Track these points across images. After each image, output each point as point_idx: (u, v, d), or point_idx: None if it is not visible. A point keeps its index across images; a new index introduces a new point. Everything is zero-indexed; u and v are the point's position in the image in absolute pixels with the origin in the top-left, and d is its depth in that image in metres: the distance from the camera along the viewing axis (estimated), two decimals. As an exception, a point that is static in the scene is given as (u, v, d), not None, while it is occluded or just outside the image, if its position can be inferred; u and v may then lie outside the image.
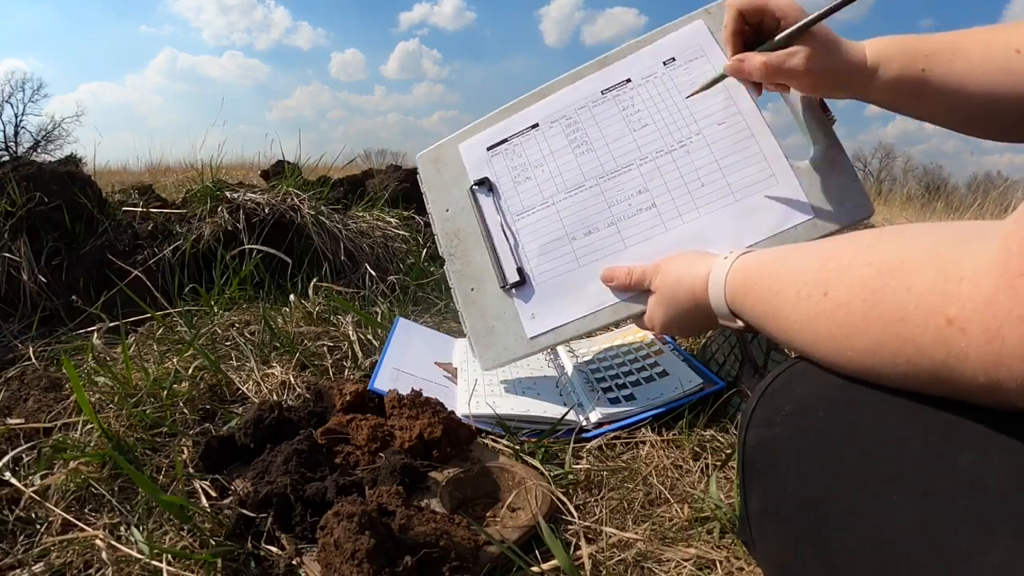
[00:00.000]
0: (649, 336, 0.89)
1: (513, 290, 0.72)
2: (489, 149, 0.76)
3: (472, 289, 0.74)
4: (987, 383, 0.24)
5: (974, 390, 0.25)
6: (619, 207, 0.70)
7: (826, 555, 0.29)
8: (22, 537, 0.52)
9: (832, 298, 0.32)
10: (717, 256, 0.54)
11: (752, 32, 0.64)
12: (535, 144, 0.74)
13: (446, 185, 0.77)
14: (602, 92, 0.72)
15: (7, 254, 1.09)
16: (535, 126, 0.74)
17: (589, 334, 0.76)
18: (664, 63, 0.71)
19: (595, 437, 0.68)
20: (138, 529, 0.51)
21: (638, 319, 0.69)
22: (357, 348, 0.90)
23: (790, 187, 0.65)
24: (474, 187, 0.75)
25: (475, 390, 0.74)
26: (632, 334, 0.92)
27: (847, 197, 0.64)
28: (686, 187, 0.68)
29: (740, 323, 0.49)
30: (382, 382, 0.70)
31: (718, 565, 0.49)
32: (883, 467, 0.28)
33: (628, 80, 0.72)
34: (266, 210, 1.28)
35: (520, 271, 0.72)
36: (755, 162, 0.67)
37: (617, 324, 0.74)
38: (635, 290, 0.67)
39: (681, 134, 0.69)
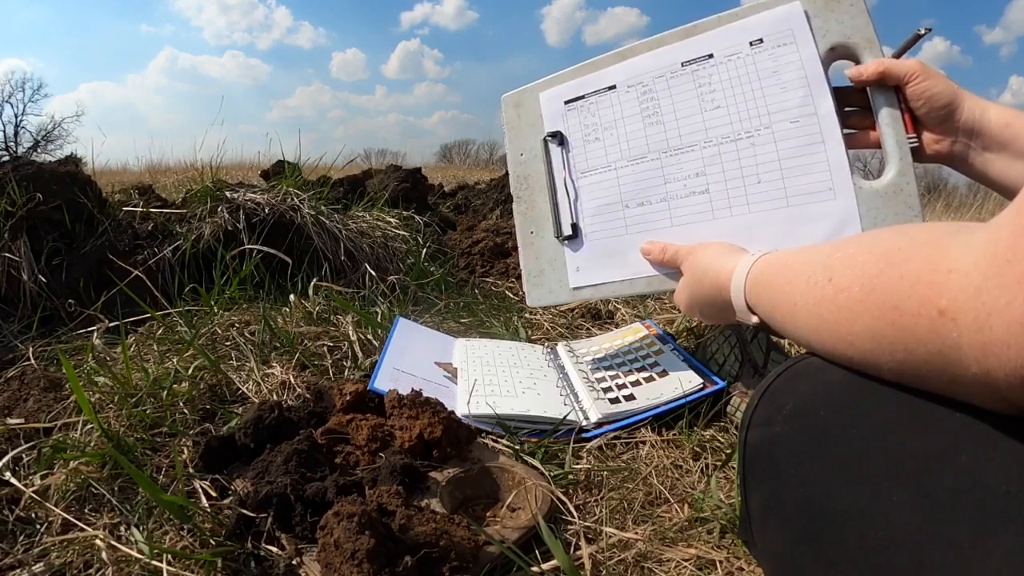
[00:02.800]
0: (649, 336, 0.89)
1: (565, 242, 0.77)
2: (567, 103, 0.78)
3: (532, 232, 0.79)
4: (979, 373, 0.24)
5: (968, 383, 0.25)
6: (674, 185, 0.70)
7: (827, 554, 0.29)
8: (22, 537, 0.52)
9: (835, 283, 0.33)
10: (747, 253, 0.54)
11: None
12: (609, 106, 0.75)
13: (523, 130, 0.81)
14: (682, 64, 0.70)
15: (7, 254, 1.09)
16: (612, 87, 0.74)
17: (626, 299, 0.78)
18: (751, 43, 0.67)
19: (595, 437, 0.68)
20: (138, 529, 0.51)
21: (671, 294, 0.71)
22: (357, 348, 0.90)
23: (846, 206, 0.62)
24: (547, 138, 0.78)
25: (475, 390, 0.74)
26: (632, 334, 0.92)
27: None
28: (743, 180, 0.67)
29: (755, 319, 0.50)
30: (382, 382, 0.70)
31: (718, 565, 0.49)
32: (884, 466, 0.28)
33: (711, 56, 0.69)
34: (266, 210, 1.28)
35: (574, 226, 0.76)
36: (818, 171, 0.64)
37: (652, 295, 0.75)
38: (667, 267, 0.69)
39: (751, 124, 0.67)
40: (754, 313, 0.49)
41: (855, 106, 0.67)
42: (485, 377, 0.78)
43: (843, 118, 0.65)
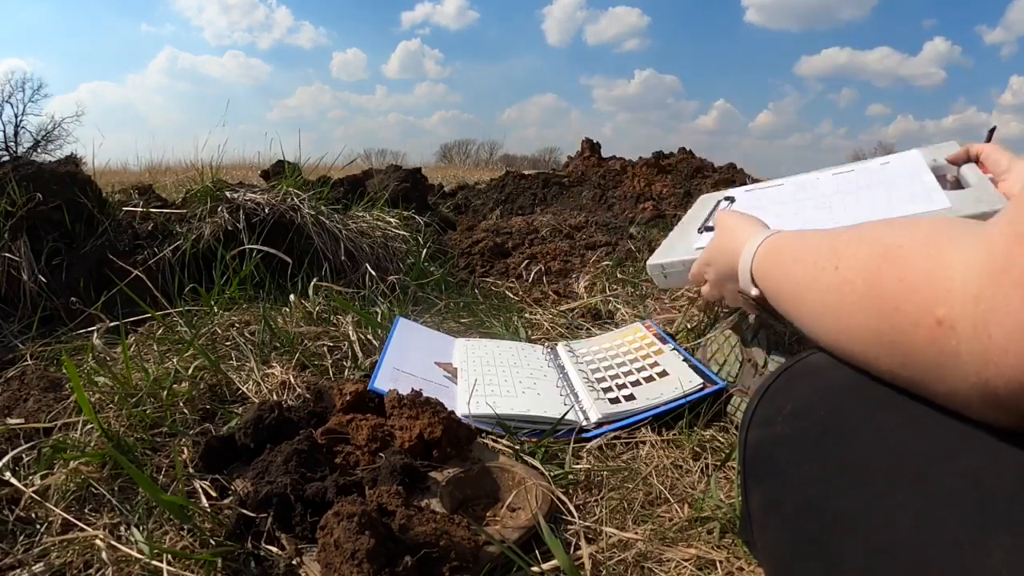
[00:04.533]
0: (649, 336, 0.89)
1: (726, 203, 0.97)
2: (747, 191, 1.03)
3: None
4: (978, 383, 0.24)
5: (967, 393, 0.25)
6: (804, 204, 0.90)
7: (827, 555, 0.29)
8: (22, 537, 0.52)
9: (841, 273, 0.33)
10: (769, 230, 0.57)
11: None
12: (775, 193, 0.97)
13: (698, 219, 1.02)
14: (833, 175, 0.94)
15: (7, 254, 1.09)
16: (781, 185, 1.00)
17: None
18: (881, 164, 0.90)
19: (595, 437, 0.68)
20: (138, 529, 0.51)
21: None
22: (357, 348, 0.90)
23: (940, 200, 0.76)
24: (722, 200, 1.01)
25: (475, 390, 0.74)
26: (632, 334, 0.92)
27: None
28: (857, 198, 0.84)
29: (755, 291, 0.51)
30: (382, 382, 0.70)
31: (718, 565, 0.49)
32: (884, 467, 0.28)
33: (852, 170, 0.93)
34: (266, 210, 1.28)
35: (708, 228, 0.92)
36: (919, 191, 0.80)
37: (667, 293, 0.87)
38: None
39: (870, 181, 0.87)
40: (756, 286, 0.50)
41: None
42: (485, 377, 0.78)
43: None
